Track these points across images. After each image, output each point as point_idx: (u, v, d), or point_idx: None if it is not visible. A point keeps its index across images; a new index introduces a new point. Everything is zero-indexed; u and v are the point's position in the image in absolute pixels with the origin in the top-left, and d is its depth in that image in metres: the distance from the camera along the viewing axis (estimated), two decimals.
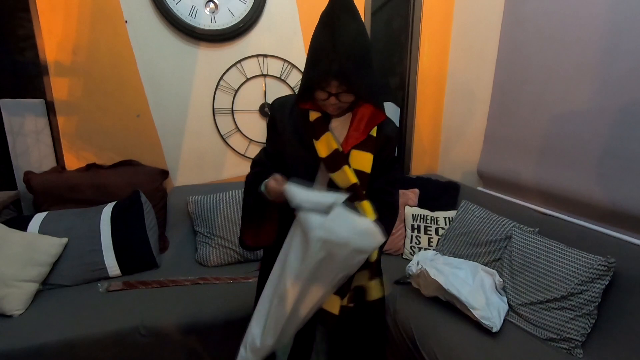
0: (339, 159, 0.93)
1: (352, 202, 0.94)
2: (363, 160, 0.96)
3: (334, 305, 0.96)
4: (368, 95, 0.88)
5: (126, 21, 1.87)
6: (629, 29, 1.29)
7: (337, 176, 0.93)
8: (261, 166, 1.08)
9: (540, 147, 1.67)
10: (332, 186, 0.96)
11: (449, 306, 1.40)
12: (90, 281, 1.61)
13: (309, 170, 0.99)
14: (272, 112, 1.05)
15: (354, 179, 0.93)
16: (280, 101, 1.06)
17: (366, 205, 0.95)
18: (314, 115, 0.96)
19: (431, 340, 1.30)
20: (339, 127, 0.99)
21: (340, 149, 0.95)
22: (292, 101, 1.03)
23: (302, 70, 0.99)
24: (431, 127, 2.50)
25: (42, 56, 1.81)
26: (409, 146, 2.52)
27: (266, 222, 1.07)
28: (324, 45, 0.83)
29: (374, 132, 0.97)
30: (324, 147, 0.94)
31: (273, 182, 0.93)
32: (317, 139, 0.94)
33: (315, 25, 0.88)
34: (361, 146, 0.95)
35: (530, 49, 1.70)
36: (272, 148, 1.07)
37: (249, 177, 1.08)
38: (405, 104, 2.47)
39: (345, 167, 0.93)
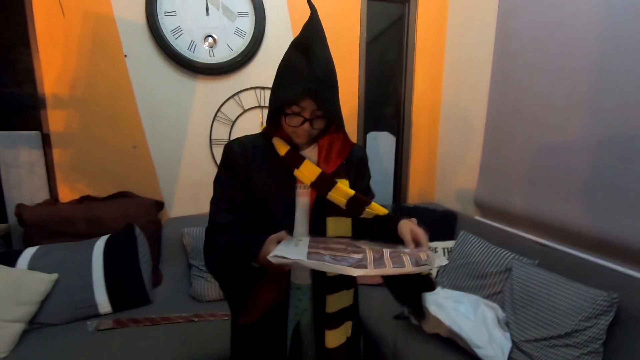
0: (328, 179, 0.91)
1: (358, 214, 0.93)
2: (343, 187, 0.92)
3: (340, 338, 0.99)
4: (339, 119, 0.88)
5: (126, 55, 1.90)
6: (619, 60, 1.32)
7: (334, 195, 0.90)
8: (230, 230, 0.92)
9: (535, 177, 1.69)
10: (317, 221, 0.94)
11: (451, 343, 1.36)
12: (79, 319, 1.54)
13: (287, 208, 0.93)
14: (232, 156, 0.93)
15: (351, 191, 0.91)
16: (238, 143, 0.96)
17: (375, 205, 0.93)
18: (283, 149, 0.93)
19: None
20: (310, 158, 0.97)
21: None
22: (251, 142, 0.96)
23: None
24: (427, 156, 2.53)
25: (41, 89, 1.83)
26: (405, 174, 2.53)
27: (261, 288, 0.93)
28: (299, 66, 0.83)
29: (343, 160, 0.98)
30: (307, 173, 0.91)
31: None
32: (297, 167, 0.91)
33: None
34: (335, 174, 0.94)
35: (522, 81, 1.74)
36: (239, 200, 0.94)
37: (220, 244, 0.90)
38: (401, 133, 2.50)
39: (339, 183, 0.91)
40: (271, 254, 0.73)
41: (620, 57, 1.32)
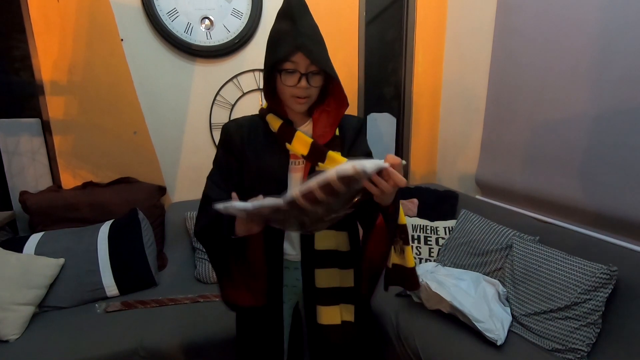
0: (320, 149, 0.91)
1: None
2: (336, 157, 0.91)
3: (334, 317, 0.97)
4: (332, 71, 0.89)
5: (122, 39, 1.87)
6: (621, 35, 1.30)
7: (327, 165, 0.89)
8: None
9: (536, 154, 1.68)
10: None
11: (453, 319, 1.38)
12: (87, 302, 1.58)
13: (280, 185, 0.93)
14: (229, 135, 0.96)
15: (343, 159, 0.91)
16: (234, 123, 0.99)
17: None
18: (276, 124, 0.94)
19: (436, 354, 1.28)
20: (305, 133, 0.96)
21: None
22: (248, 121, 0.99)
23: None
24: (428, 136, 2.51)
25: (38, 76, 1.82)
26: (406, 156, 2.52)
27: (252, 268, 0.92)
28: (286, 29, 0.86)
29: (337, 132, 0.96)
30: (300, 145, 0.91)
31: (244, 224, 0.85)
32: (290, 142, 0.92)
33: None
34: (329, 146, 0.93)
35: (523, 57, 1.72)
36: (234, 178, 0.96)
37: (210, 211, 0.85)
38: (402, 113, 2.48)
39: (330, 152, 0.90)
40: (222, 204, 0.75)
41: (624, 29, 1.29)
